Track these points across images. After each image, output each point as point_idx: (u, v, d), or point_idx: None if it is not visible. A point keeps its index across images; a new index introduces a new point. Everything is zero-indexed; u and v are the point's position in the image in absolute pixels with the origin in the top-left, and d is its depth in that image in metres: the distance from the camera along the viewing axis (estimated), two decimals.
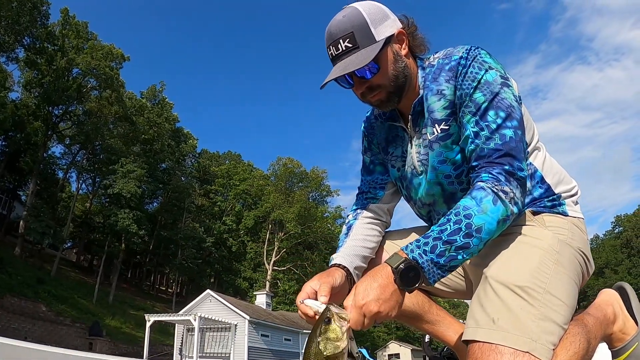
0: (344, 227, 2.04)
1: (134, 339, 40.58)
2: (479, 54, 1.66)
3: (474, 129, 1.58)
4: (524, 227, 1.66)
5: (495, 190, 1.48)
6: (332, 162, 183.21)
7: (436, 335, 2.04)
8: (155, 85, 60.49)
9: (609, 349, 1.92)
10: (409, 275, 1.39)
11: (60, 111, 48.45)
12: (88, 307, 42.68)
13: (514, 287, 1.45)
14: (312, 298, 1.56)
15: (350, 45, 1.62)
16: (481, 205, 1.45)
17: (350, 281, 1.79)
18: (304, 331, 39.80)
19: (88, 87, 49.26)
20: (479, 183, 1.52)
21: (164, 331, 43.62)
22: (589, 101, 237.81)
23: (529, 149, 1.75)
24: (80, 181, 55.77)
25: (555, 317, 1.42)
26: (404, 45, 1.73)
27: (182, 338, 32.64)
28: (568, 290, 1.51)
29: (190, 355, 30.35)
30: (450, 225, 1.44)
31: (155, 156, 58.36)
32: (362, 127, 2.11)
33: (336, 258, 1.84)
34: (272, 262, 62.35)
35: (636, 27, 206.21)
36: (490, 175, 1.52)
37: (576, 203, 1.81)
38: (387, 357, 69.73)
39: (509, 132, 1.55)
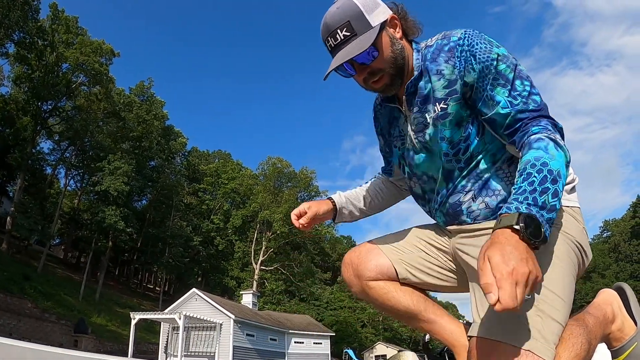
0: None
1: (120, 336, 40.43)
2: (479, 34, 1.68)
3: (508, 98, 1.60)
4: None
5: (552, 138, 1.49)
6: (323, 161, 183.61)
7: (433, 334, 2.03)
8: (143, 81, 60.19)
9: (608, 348, 1.92)
10: (532, 228, 1.29)
11: (50, 107, 48.13)
12: (74, 304, 42.48)
13: None
14: (302, 213, 2.07)
15: (348, 33, 1.66)
16: (549, 152, 1.44)
17: (333, 215, 2.20)
18: (290, 331, 39.92)
19: (77, 83, 48.97)
20: (533, 136, 1.52)
21: (150, 329, 43.55)
22: (580, 106, 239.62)
23: None
24: (69, 177, 55.49)
25: (554, 314, 1.42)
26: (397, 29, 1.77)
27: (168, 337, 32.57)
28: (565, 283, 1.50)
29: (175, 353, 30.29)
30: (535, 177, 1.39)
31: (144, 153, 58.13)
32: (373, 113, 2.16)
33: (334, 194, 2.20)
34: (259, 262, 62.27)
35: (628, 33, 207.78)
36: (539, 127, 1.55)
37: (572, 191, 1.77)
38: (374, 358, 69.65)
39: (537, 98, 1.61)
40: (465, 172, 1.76)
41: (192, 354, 31.65)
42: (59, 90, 46.56)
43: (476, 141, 1.73)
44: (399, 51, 1.74)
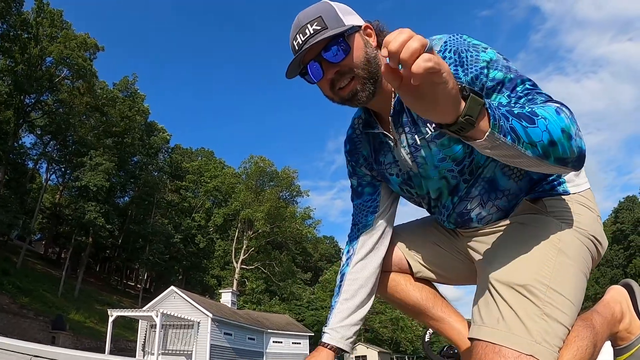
0: (338, 276, 2.00)
1: (98, 333, 40.23)
2: (463, 39, 1.52)
3: (510, 103, 1.41)
4: (524, 217, 1.63)
5: (558, 105, 1.33)
6: (307, 161, 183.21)
7: (440, 332, 2.01)
8: (127, 77, 59.88)
9: (612, 346, 1.88)
10: (475, 99, 1.14)
11: (32, 100, 47.78)
12: (53, 301, 42.25)
13: (516, 287, 1.43)
14: None
15: (318, 27, 1.50)
16: (545, 108, 1.29)
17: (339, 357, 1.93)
18: (268, 331, 39.85)
19: (61, 77, 48.63)
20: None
21: (129, 327, 43.34)
22: None
23: None
24: (50, 172, 55.02)
25: (559, 317, 1.40)
26: (372, 39, 1.61)
27: (146, 334, 32.42)
28: (573, 283, 1.47)
29: (152, 351, 30.22)
30: (515, 109, 1.26)
31: (127, 149, 57.80)
32: (345, 151, 1.98)
33: (325, 334, 1.86)
34: (240, 261, 62.11)
35: (615, 40, 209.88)
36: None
37: (579, 173, 1.69)
38: (354, 359, 69.82)
39: (543, 93, 1.42)
40: (471, 182, 1.66)
41: (170, 352, 31.52)
42: (42, 84, 46.19)
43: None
44: (373, 56, 1.56)
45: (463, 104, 1.13)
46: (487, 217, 1.71)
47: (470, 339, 1.48)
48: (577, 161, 1.33)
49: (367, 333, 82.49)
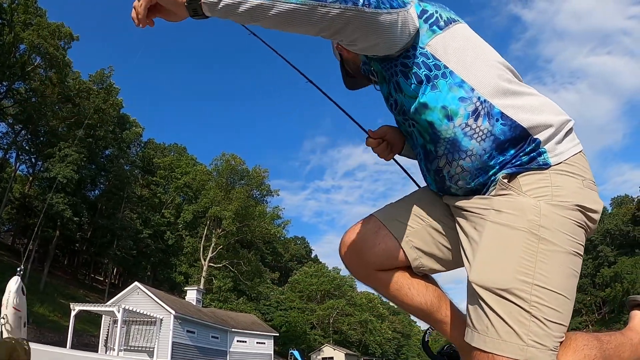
0: None
1: (62, 327, 39.80)
2: None
3: None
4: (498, 201, 1.55)
5: None
6: (283, 160, 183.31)
7: (443, 334, 1.98)
8: (103, 69, 58.85)
9: None
10: None
11: (4, 88, 47.10)
12: None
13: (499, 291, 1.40)
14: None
15: None
16: None
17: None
18: (233, 330, 39.81)
19: (35, 65, 48.03)
20: None
21: (94, 322, 42.96)
22: None
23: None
24: (19, 163, 54.22)
25: (549, 315, 1.36)
26: None
27: (108, 330, 32.26)
28: (560, 271, 1.42)
29: (114, 347, 30.09)
30: None
31: (98, 142, 57.23)
32: None
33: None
34: (208, 258, 61.86)
35: (593, 53, 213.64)
36: None
37: (565, 136, 1.61)
38: None
39: None
40: (424, 135, 1.70)
41: (132, 348, 31.33)
42: (15, 72, 45.58)
43: (400, 97, 1.71)
44: None
45: None
46: (456, 177, 1.67)
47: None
48: None
49: (335, 335, 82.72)
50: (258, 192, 67.08)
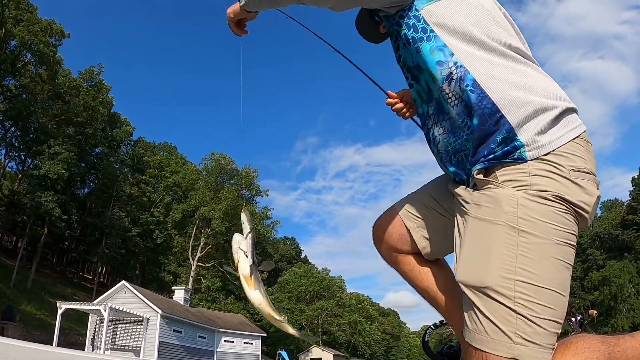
0: None
1: (49, 326, 39.63)
2: None
3: None
4: (478, 195, 1.51)
5: None
6: (274, 160, 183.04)
7: (449, 324, 2.00)
8: (93, 66, 58.48)
9: None
10: None
11: None
12: (4, 291, 41.58)
13: (483, 290, 1.39)
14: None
15: None
16: None
17: None
18: (220, 330, 39.75)
19: (25, 61, 47.80)
20: None
21: (81, 320, 42.83)
22: None
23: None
24: (8, 160, 53.85)
25: (536, 310, 1.34)
26: None
27: (95, 328, 32.21)
28: (545, 263, 1.37)
29: (100, 346, 30.03)
30: None
31: (88, 140, 56.97)
32: None
33: None
34: (196, 258, 61.66)
35: (585, 58, 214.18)
36: None
37: (554, 122, 1.50)
38: None
39: None
40: (422, 95, 1.79)
41: (119, 347, 31.28)
42: (5, 68, 45.33)
43: (404, 52, 1.79)
44: None
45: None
46: (438, 138, 1.73)
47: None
48: None
49: (324, 336, 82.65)
50: (247, 192, 66.87)
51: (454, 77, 1.56)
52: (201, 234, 63.27)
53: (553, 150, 1.45)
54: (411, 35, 1.67)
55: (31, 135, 51.74)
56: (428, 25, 1.63)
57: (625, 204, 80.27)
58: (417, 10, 1.65)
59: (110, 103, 60.68)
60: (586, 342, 1.46)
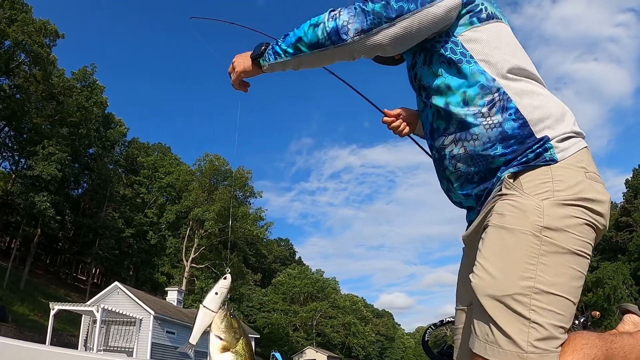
0: None
1: (42, 327, 39.47)
2: None
3: None
4: (501, 204, 1.57)
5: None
6: (268, 161, 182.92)
7: None
8: (86, 66, 58.34)
9: None
10: (259, 48, 1.93)
11: None
12: None
13: (500, 298, 1.42)
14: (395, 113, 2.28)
15: None
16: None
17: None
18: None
19: (19, 61, 47.66)
20: None
21: (74, 321, 42.72)
22: None
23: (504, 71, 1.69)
24: (1, 160, 53.60)
25: (550, 318, 1.38)
26: None
27: (88, 329, 32.12)
28: (563, 272, 1.43)
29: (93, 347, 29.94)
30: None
31: (82, 140, 56.76)
32: None
33: None
34: (190, 259, 61.49)
35: (580, 60, 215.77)
36: None
37: (572, 134, 1.64)
38: None
39: None
40: (439, 112, 1.78)
41: (111, 348, 31.14)
42: None
43: (424, 70, 1.83)
44: None
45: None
46: (457, 157, 1.75)
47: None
48: (332, 35, 1.72)
49: (318, 337, 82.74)
50: (241, 193, 66.76)
51: (497, 105, 1.63)
52: (195, 235, 63.05)
53: (572, 154, 1.58)
54: (449, 56, 1.72)
55: (25, 136, 51.50)
56: (467, 50, 1.70)
57: (619, 205, 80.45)
58: (455, 36, 1.73)
59: (104, 103, 60.39)
60: (584, 338, 1.47)
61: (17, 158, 53.86)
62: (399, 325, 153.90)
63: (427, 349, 2.87)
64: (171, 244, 65.60)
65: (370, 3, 1.66)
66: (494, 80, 1.65)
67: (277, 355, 54.68)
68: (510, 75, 1.67)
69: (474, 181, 1.74)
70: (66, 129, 52.94)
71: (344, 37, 1.69)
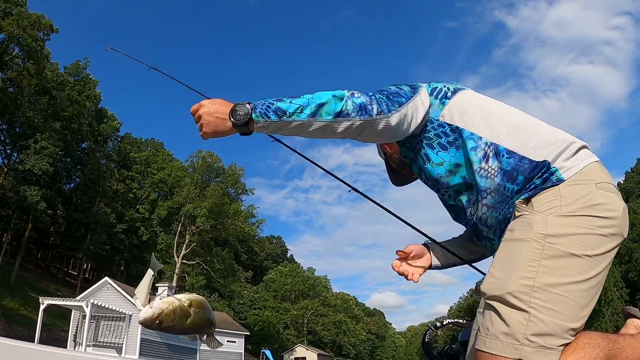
0: None
1: (32, 322, 39.29)
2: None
3: None
4: (513, 222, 1.66)
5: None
6: (261, 159, 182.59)
7: None
8: (79, 61, 58.07)
9: None
10: (237, 111, 1.64)
11: None
12: None
13: (502, 296, 1.48)
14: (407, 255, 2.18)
15: None
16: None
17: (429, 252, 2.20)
18: None
19: (13, 55, 47.44)
20: None
21: (64, 316, 42.58)
22: None
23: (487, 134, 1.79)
24: None
25: (548, 314, 1.42)
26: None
27: (78, 325, 31.97)
28: (564, 272, 1.47)
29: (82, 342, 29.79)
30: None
31: (74, 135, 56.59)
32: None
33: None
34: (181, 255, 61.27)
35: (575, 62, 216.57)
36: None
37: (576, 153, 1.72)
38: None
39: (393, 87, 1.85)
40: (462, 191, 1.89)
41: (101, 344, 30.96)
42: None
43: (428, 167, 1.92)
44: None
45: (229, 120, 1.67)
46: (484, 217, 1.84)
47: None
48: (359, 110, 1.68)
49: (309, 335, 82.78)
50: (233, 190, 66.51)
51: (490, 155, 1.75)
52: (186, 231, 62.86)
53: (579, 170, 1.64)
54: (445, 140, 1.87)
55: (17, 129, 51.29)
56: (452, 124, 1.85)
57: None
58: (436, 119, 1.88)
59: (97, 98, 60.20)
60: (586, 337, 1.49)
61: (9, 152, 53.56)
62: (390, 324, 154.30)
63: (427, 349, 2.93)
64: (162, 240, 65.29)
65: (378, 94, 1.77)
66: (480, 138, 1.78)
67: (268, 352, 54.71)
68: (492, 125, 1.79)
69: (500, 219, 1.81)
70: (59, 123, 52.81)
71: (371, 112, 1.71)
